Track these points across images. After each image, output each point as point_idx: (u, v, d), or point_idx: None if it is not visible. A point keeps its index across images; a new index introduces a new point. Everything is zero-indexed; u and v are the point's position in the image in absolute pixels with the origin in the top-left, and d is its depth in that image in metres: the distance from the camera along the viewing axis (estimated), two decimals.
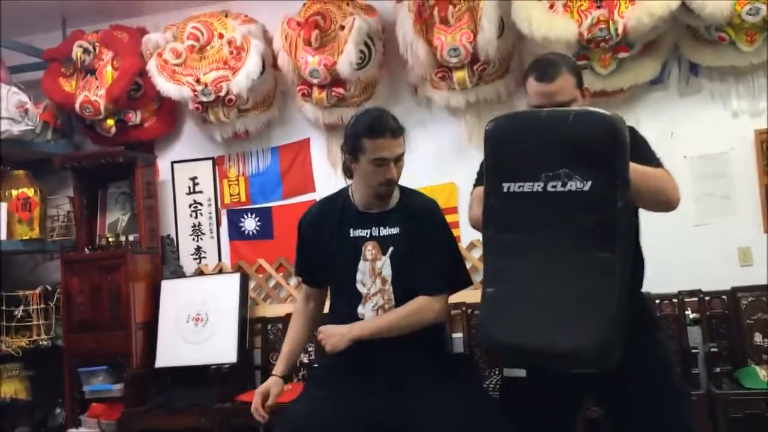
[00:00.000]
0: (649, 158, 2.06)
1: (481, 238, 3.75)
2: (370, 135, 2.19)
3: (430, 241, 2.27)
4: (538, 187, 1.86)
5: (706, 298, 3.45)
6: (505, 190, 1.91)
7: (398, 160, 2.24)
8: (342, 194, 2.39)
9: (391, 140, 2.20)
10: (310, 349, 3.85)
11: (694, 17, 3.31)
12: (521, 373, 2.19)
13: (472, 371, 2.49)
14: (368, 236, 2.28)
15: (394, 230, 2.27)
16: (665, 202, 2.01)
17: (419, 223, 2.28)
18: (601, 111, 1.88)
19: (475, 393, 2.30)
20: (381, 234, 2.27)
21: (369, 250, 2.26)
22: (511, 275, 1.91)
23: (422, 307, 2.23)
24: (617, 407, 2.11)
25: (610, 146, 1.81)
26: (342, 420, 2.18)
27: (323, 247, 2.34)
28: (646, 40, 3.41)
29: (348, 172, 2.34)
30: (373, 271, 2.26)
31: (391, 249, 2.26)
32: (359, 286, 2.28)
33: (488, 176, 1.99)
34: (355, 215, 2.31)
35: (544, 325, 1.82)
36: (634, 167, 1.89)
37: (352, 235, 2.29)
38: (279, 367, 2.42)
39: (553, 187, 1.84)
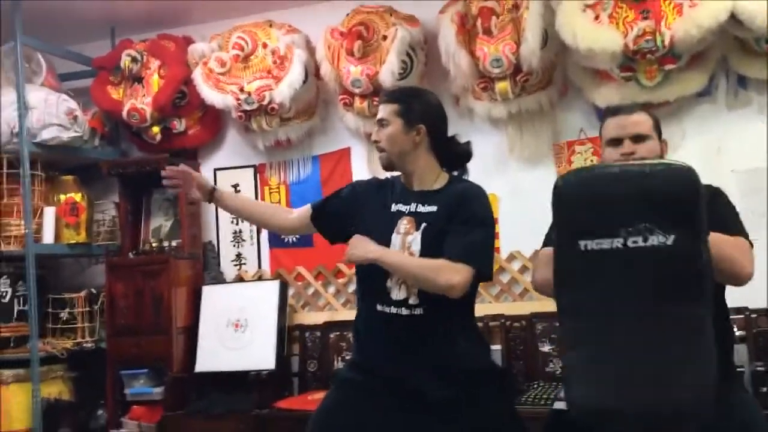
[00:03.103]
0: (733, 223, 2.01)
1: (521, 250, 3.79)
2: None
3: (466, 217, 2.21)
4: (618, 243, 1.73)
5: (753, 315, 3.36)
6: (583, 248, 1.77)
7: (381, 124, 2.32)
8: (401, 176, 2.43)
9: (381, 105, 2.36)
10: (347, 357, 3.86)
11: (743, 29, 3.25)
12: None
13: (506, 387, 2.42)
14: (407, 212, 2.27)
15: (432, 208, 2.24)
16: (733, 275, 1.92)
17: (459, 202, 2.24)
18: (678, 162, 1.79)
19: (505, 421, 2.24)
20: (418, 210, 2.26)
21: (404, 224, 2.25)
22: (596, 337, 1.80)
23: (443, 266, 2.13)
24: None
25: (692, 199, 1.71)
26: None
27: (367, 216, 2.35)
28: (694, 51, 3.35)
29: None
30: (404, 245, 2.23)
31: (424, 225, 2.23)
32: None
33: (561, 235, 1.85)
34: (400, 191, 2.34)
35: (639, 388, 1.73)
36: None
37: (393, 209, 2.30)
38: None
39: (635, 242, 1.71)
